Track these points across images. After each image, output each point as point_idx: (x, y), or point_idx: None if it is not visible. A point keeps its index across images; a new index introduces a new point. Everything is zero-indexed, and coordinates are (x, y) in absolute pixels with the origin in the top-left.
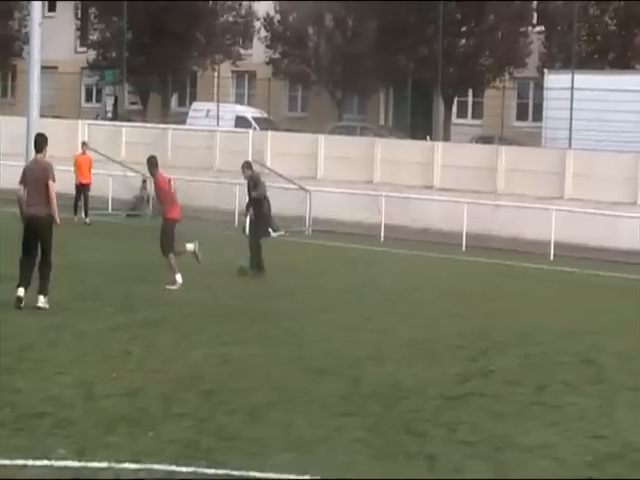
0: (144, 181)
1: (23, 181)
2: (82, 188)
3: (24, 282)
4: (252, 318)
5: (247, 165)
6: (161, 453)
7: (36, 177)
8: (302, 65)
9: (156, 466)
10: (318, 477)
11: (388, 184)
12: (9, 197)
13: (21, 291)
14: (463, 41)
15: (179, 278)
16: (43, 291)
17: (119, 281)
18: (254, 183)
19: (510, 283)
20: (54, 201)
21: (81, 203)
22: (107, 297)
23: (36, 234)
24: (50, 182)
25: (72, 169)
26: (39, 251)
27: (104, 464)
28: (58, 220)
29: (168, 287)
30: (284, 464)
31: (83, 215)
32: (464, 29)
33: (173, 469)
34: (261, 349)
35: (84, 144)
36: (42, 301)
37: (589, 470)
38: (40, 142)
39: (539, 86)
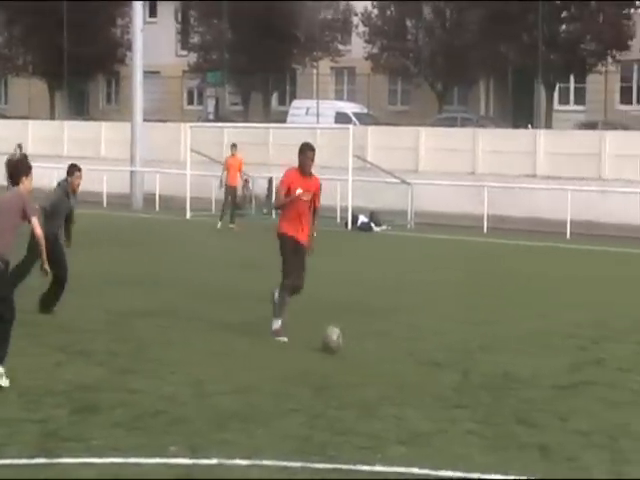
0: (246, 180)
1: None
2: (230, 191)
3: None
4: (365, 313)
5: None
6: (274, 449)
7: (4, 209)
8: (402, 58)
9: (266, 462)
10: (426, 469)
11: (491, 174)
12: (116, 201)
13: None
14: (564, 27)
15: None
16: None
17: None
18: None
19: (625, 271)
20: (42, 241)
21: (226, 208)
22: (214, 294)
23: None
24: (34, 219)
25: (222, 171)
26: None
27: (214, 461)
28: (47, 267)
29: None
30: (396, 457)
31: (228, 219)
32: (565, 14)
33: (284, 464)
34: (374, 344)
35: (234, 146)
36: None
37: None
38: (15, 171)
39: None
